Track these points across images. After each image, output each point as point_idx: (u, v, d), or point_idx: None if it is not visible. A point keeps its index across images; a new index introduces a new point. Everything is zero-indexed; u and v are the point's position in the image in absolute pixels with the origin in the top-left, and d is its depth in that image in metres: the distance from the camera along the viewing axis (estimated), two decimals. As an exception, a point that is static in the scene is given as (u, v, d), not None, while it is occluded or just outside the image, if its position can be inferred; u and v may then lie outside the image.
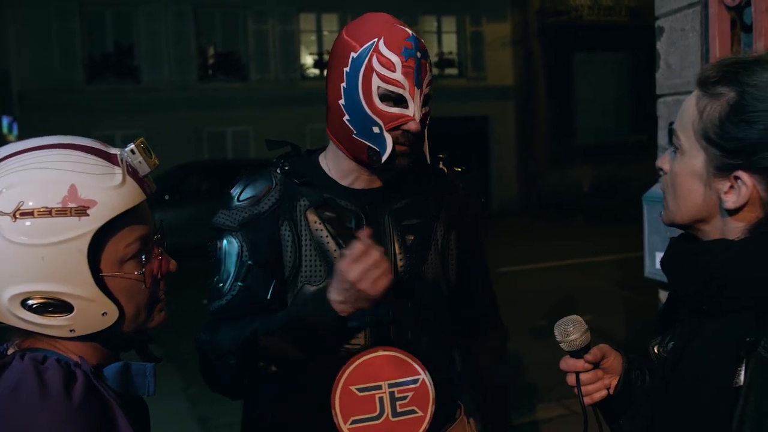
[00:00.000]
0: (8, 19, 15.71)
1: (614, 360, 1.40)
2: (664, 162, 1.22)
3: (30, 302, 1.04)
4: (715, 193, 1.11)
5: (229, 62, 17.95)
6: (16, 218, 1.01)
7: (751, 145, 1.06)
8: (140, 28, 17.02)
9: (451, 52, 19.72)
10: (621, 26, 19.58)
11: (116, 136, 14.70)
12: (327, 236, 1.64)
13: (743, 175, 1.08)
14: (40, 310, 1.05)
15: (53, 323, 1.07)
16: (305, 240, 1.64)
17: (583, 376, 1.37)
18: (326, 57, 15.80)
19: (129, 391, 1.13)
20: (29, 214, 1.01)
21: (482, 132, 19.87)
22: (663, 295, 2.67)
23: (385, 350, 1.64)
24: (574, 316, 1.37)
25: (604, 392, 1.37)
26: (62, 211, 1.02)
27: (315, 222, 1.64)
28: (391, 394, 1.65)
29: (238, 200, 1.67)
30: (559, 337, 1.36)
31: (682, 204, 1.16)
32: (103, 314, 1.09)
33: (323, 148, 1.77)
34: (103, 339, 1.13)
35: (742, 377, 1.05)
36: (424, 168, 1.78)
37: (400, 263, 1.67)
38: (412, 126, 1.57)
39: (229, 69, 17.92)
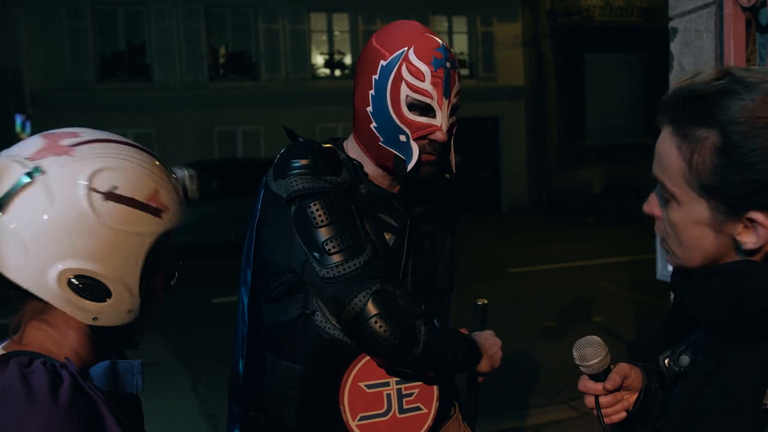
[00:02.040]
0: (21, 19, 15.80)
1: (634, 378, 1.36)
2: (653, 207, 1.14)
3: (74, 280, 1.08)
4: (728, 236, 1.03)
5: (240, 61, 18.00)
6: (106, 199, 1.08)
7: (759, 185, 0.98)
8: (152, 27, 17.08)
9: (461, 53, 19.69)
10: (633, 27, 19.51)
11: (128, 134, 14.67)
12: (376, 229, 1.65)
13: (758, 216, 1.00)
14: (80, 290, 1.09)
15: (84, 306, 1.10)
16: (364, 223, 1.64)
17: (603, 399, 1.33)
18: (337, 57, 15.82)
19: (117, 390, 1.14)
20: (119, 198, 1.09)
21: (493, 132, 19.84)
22: (674, 298, 2.64)
23: None
24: (595, 338, 1.33)
25: (623, 414, 1.34)
26: (145, 207, 1.12)
27: (370, 212, 1.66)
28: (398, 390, 1.67)
29: (318, 168, 1.60)
30: (578, 361, 1.32)
31: (691, 252, 1.08)
32: (128, 311, 1.14)
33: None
34: (100, 336, 1.15)
35: None
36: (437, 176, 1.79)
37: (418, 267, 1.71)
38: (440, 136, 1.59)
39: (240, 68, 17.97)
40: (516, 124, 19.89)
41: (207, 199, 12.94)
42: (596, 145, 19.47)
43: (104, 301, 1.10)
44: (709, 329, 1.13)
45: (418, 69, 1.56)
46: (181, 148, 16.28)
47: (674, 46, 2.74)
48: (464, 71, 19.65)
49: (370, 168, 1.70)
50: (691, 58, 2.63)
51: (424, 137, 1.59)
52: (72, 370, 1.06)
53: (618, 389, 1.34)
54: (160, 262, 1.18)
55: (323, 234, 1.54)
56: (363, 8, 17.95)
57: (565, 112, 19.71)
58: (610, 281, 9.18)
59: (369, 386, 1.64)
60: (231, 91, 17.49)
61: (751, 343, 1.04)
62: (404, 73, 1.57)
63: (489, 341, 1.82)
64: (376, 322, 1.50)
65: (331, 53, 18.45)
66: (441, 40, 1.61)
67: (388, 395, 1.66)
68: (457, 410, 1.87)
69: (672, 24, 2.74)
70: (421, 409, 1.68)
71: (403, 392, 1.67)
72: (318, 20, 18.51)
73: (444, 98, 1.58)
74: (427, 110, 1.58)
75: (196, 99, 17.02)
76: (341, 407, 1.62)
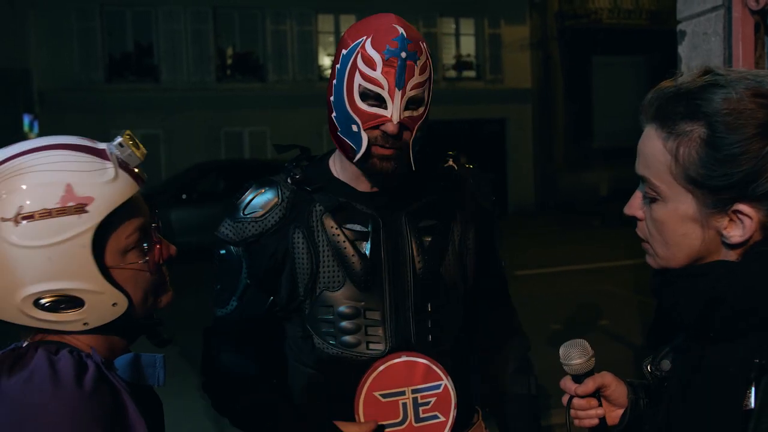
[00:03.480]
0: (29, 19, 15.87)
1: (616, 390, 1.36)
2: (635, 210, 1.15)
3: (42, 301, 1.07)
4: (714, 231, 1.05)
5: (247, 63, 18.03)
6: (18, 223, 1.04)
7: (744, 176, 0.99)
8: (160, 28, 17.13)
9: (469, 55, 19.67)
10: (640, 30, 19.46)
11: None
12: (344, 241, 1.62)
13: (744, 208, 1.01)
14: (52, 307, 1.08)
15: (67, 319, 1.09)
16: (322, 246, 1.62)
17: (575, 401, 1.36)
18: (344, 58, 15.88)
19: (139, 382, 1.15)
20: (30, 217, 1.04)
21: (499, 134, 19.81)
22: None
23: (408, 355, 1.63)
24: (581, 341, 1.35)
25: (595, 420, 1.35)
26: (62, 211, 1.05)
27: (332, 227, 1.63)
28: (414, 399, 1.64)
29: (244, 213, 1.66)
30: (562, 359, 1.35)
31: (676, 250, 1.09)
32: (113, 305, 1.12)
33: (333, 152, 1.75)
34: (115, 329, 1.16)
35: (752, 400, 1.00)
36: (436, 169, 1.76)
37: (418, 265, 1.66)
38: (389, 127, 1.53)
39: (247, 69, 18.00)
40: (523, 126, 19.86)
41: (214, 199, 12.96)
42: (603, 147, 19.41)
43: (80, 307, 1.09)
44: (686, 330, 1.14)
45: (371, 57, 1.52)
46: (188, 149, 16.31)
47: (682, 49, 2.73)
48: (471, 73, 19.63)
49: (351, 170, 1.66)
50: (699, 61, 2.62)
51: (375, 128, 1.55)
52: (96, 359, 1.08)
53: (595, 395, 1.35)
54: (123, 246, 1.13)
55: (215, 274, 1.74)
56: (370, 10, 17.81)
57: (572, 114, 19.66)
58: (616, 284, 9.15)
59: (384, 395, 1.62)
60: (238, 92, 17.52)
61: (727, 341, 1.05)
62: (359, 61, 1.54)
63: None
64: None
65: (338, 55, 18.46)
66: (404, 30, 1.54)
67: (404, 404, 1.63)
68: (480, 417, 1.83)
69: (680, 27, 2.73)
70: (438, 418, 1.66)
71: (420, 401, 1.64)
72: (325, 22, 18.52)
73: (396, 89, 1.52)
74: (377, 99, 1.53)
75: (204, 100, 17.05)
76: (356, 417, 1.61)
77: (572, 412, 1.37)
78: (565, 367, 1.35)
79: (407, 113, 1.55)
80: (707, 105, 1.01)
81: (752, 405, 1.00)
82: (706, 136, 1.01)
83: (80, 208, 1.06)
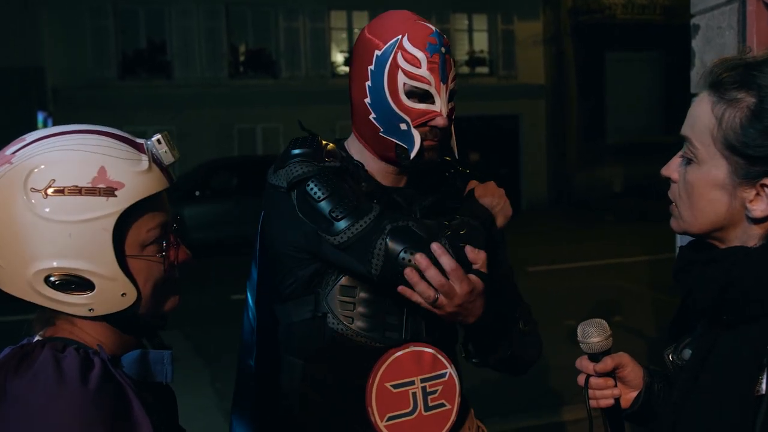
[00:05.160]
0: (43, 17, 15.96)
1: (632, 372, 1.38)
2: (672, 171, 1.18)
3: (53, 279, 1.08)
4: (740, 202, 1.08)
5: (260, 59, 18.06)
6: (47, 195, 1.06)
7: None
8: (173, 25, 17.19)
9: (482, 51, 19.62)
10: (654, 24, 19.33)
11: (148, 132, 14.72)
12: None
13: None
14: (62, 286, 1.09)
15: (74, 301, 1.10)
16: None
17: (593, 380, 1.36)
18: (356, 54, 15.86)
19: (147, 379, 1.16)
20: (60, 191, 1.06)
21: (513, 131, 19.76)
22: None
23: (415, 345, 1.65)
24: (600, 320, 1.36)
25: (610, 401, 1.36)
26: (91, 191, 1.07)
27: None
28: (423, 388, 1.66)
29: (316, 154, 1.62)
30: (579, 337, 1.35)
31: (700, 215, 1.12)
32: (122, 295, 1.12)
33: (344, 140, 1.76)
34: (120, 322, 1.16)
35: (764, 386, 1.03)
36: (445, 167, 1.79)
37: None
38: (440, 121, 1.57)
39: (260, 66, 18.03)
40: (536, 122, 19.80)
41: (226, 196, 13.02)
42: (616, 143, 19.34)
43: (89, 291, 1.10)
44: (702, 315, 1.16)
45: (414, 56, 1.55)
46: (201, 146, 16.37)
47: (696, 44, 2.72)
48: (484, 69, 19.59)
49: (372, 165, 1.68)
50: (712, 55, 2.60)
51: (424, 124, 1.58)
52: (103, 356, 1.09)
53: (611, 375, 1.36)
54: (143, 239, 1.14)
55: (326, 205, 1.53)
56: (383, 6, 17.86)
57: (586, 110, 19.58)
58: (630, 280, 9.12)
59: (395, 386, 1.63)
60: (251, 88, 17.56)
61: (740, 325, 1.07)
62: (400, 60, 1.55)
63: (494, 197, 1.72)
64: (405, 257, 1.47)
65: (351, 51, 18.44)
66: (433, 26, 1.58)
67: (414, 394, 1.65)
68: (470, 405, 1.85)
69: (693, 21, 2.71)
70: (445, 406, 1.68)
71: (428, 390, 1.66)
72: (338, 18, 18.53)
73: (441, 83, 1.56)
74: (425, 97, 1.57)
75: (217, 97, 17.10)
76: (369, 408, 1.61)
77: (591, 392, 1.37)
78: (582, 346, 1.35)
79: (450, 105, 1.61)
80: (763, 77, 1.04)
81: (764, 391, 1.02)
82: (753, 106, 1.04)
83: (109, 192, 1.08)
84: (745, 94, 1.05)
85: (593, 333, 1.34)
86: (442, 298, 1.47)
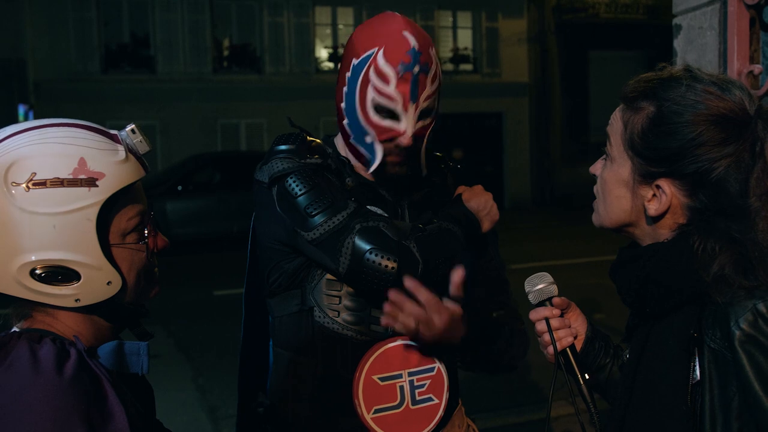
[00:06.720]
0: (25, 9, 15.80)
1: (577, 318, 1.47)
2: (596, 168, 1.31)
3: (38, 271, 1.09)
4: (640, 200, 1.20)
5: (244, 54, 17.99)
6: (29, 188, 1.06)
7: (671, 154, 1.14)
8: (156, 18, 17.08)
9: (466, 48, 19.65)
10: (638, 24, 19.46)
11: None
12: None
13: (664, 184, 1.16)
14: (48, 278, 1.09)
15: (60, 292, 1.11)
16: None
17: (553, 322, 1.42)
18: (341, 50, 15.70)
19: (122, 370, 1.16)
20: (42, 184, 1.07)
21: (496, 128, 19.82)
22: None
23: (403, 339, 1.65)
24: (541, 273, 1.46)
25: (571, 339, 1.42)
26: (73, 182, 1.08)
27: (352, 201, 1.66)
28: (411, 382, 1.67)
29: (298, 151, 1.65)
30: (527, 287, 1.43)
31: (610, 209, 1.25)
32: (108, 283, 1.13)
33: (333, 136, 1.78)
34: (104, 311, 1.17)
35: (698, 373, 1.10)
36: (434, 164, 1.80)
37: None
38: (403, 141, 1.58)
39: (244, 61, 17.96)
40: (520, 120, 19.86)
41: (209, 191, 12.95)
42: (600, 141, 19.25)
43: (75, 281, 1.11)
44: (630, 308, 1.27)
45: (384, 73, 1.55)
46: (185, 141, 16.29)
47: (678, 43, 2.74)
48: (468, 67, 19.62)
49: (356, 162, 1.71)
50: (694, 55, 2.62)
51: (390, 140, 1.59)
52: (79, 347, 1.09)
53: (562, 314, 1.45)
54: (124, 227, 1.16)
55: (303, 201, 1.56)
56: (368, 2, 17.92)
57: (569, 108, 19.67)
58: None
59: (382, 379, 1.64)
60: (235, 84, 17.49)
61: (665, 317, 1.17)
62: (372, 75, 1.56)
63: (480, 201, 1.74)
64: (370, 258, 1.50)
65: (335, 47, 18.42)
66: (415, 41, 1.55)
67: (401, 387, 1.66)
68: (460, 402, 1.86)
69: (676, 21, 2.73)
70: (433, 400, 1.69)
71: (416, 383, 1.67)
72: (322, 14, 18.49)
73: (410, 102, 1.56)
74: (391, 114, 1.57)
75: (200, 91, 17.02)
76: (356, 401, 1.62)
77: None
78: (531, 297, 1.44)
79: (419, 124, 1.60)
80: (664, 90, 1.17)
81: (698, 377, 1.10)
82: (652, 114, 1.17)
83: (91, 182, 1.09)
84: (647, 104, 1.18)
85: (539, 281, 1.43)
86: (422, 328, 1.52)
